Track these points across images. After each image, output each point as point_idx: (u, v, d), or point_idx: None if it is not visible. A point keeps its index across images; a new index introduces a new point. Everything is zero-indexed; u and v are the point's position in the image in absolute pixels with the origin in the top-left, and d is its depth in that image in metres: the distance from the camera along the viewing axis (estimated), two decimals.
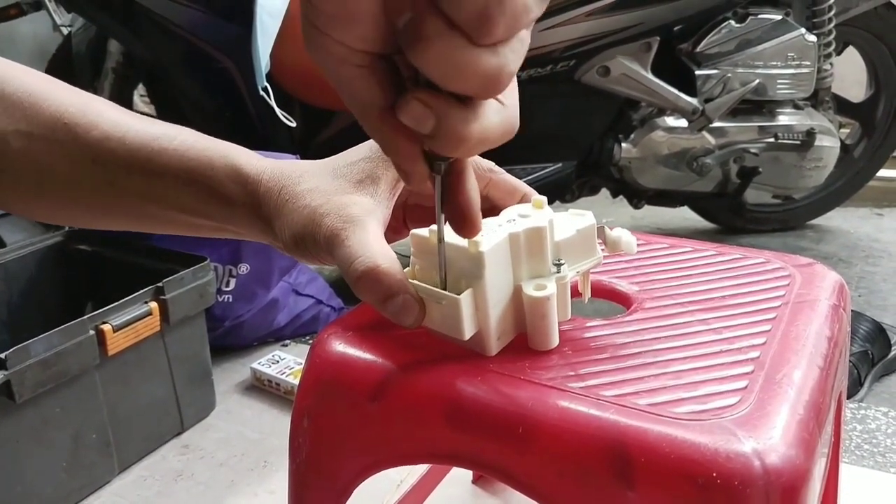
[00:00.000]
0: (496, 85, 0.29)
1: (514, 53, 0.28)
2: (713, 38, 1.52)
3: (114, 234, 1.19)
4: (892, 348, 1.23)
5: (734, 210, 1.75)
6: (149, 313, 0.99)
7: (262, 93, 1.30)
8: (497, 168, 0.47)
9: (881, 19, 1.68)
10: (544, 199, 0.44)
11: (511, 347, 0.42)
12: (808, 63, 1.55)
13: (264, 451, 1.04)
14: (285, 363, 1.19)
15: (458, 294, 0.39)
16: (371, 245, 0.39)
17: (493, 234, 0.40)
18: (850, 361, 1.11)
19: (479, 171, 0.46)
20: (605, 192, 1.70)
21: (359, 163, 0.44)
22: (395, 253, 0.40)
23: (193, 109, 1.50)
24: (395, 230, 0.47)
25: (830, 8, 1.56)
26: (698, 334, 0.44)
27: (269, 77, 1.32)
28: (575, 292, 0.47)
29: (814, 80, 1.57)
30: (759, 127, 1.60)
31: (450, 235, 0.39)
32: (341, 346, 0.45)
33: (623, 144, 1.57)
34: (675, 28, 1.52)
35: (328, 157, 0.45)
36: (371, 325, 0.46)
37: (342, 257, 0.39)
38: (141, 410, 1.02)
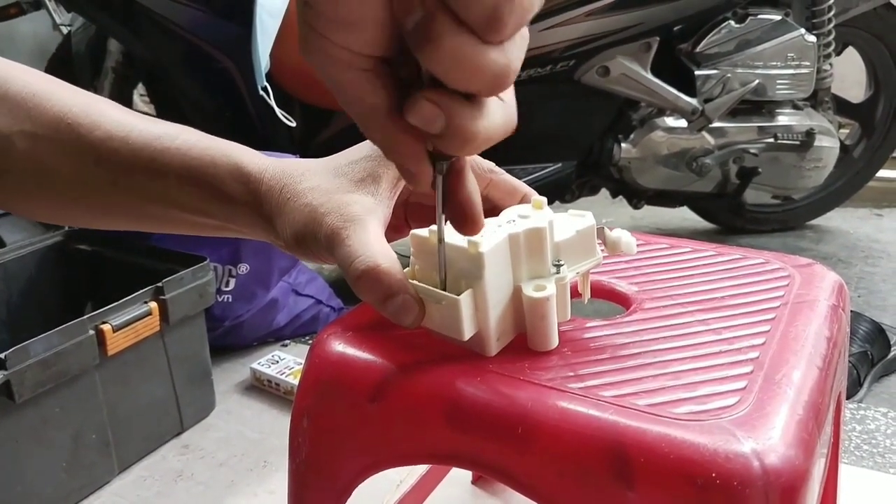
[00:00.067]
0: (503, 82, 0.29)
1: (518, 50, 0.29)
2: (713, 39, 1.52)
3: (114, 234, 1.19)
4: (892, 349, 1.23)
5: (734, 210, 1.75)
6: (148, 313, 0.99)
7: (261, 93, 1.30)
8: (497, 168, 0.47)
9: (881, 20, 1.69)
10: (544, 199, 0.44)
11: (511, 348, 0.42)
12: (808, 63, 1.55)
13: (264, 451, 1.04)
14: (285, 363, 1.19)
15: (458, 295, 0.39)
16: (371, 244, 0.39)
17: (492, 234, 0.40)
18: (849, 362, 1.12)
19: (479, 172, 0.46)
20: (604, 192, 1.70)
21: (360, 161, 0.44)
22: (396, 253, 0.40)
23: (193, 109, 1.50)
24: (395, 229, 0.47)
25: (830, 8, 1.56)
26: (698, 335, 0.44)
27: (269, 77, 1.32)
28: (575, 293, 0.47)
29: (813, 80, 1.57)
30: (759, 127, 1.60)
31: (450, 236, 0.39)
32: (341, 347, 0.45)
33: (623, 144, 1.57)
34: (675, 28, 1.52)
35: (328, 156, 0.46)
36: (371, 326, 0.46)
37: (342, 256, 0.39)
38: (141, 410, 1.02)
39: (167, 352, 1.05)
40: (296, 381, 1.10)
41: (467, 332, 0.40)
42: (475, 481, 0.84)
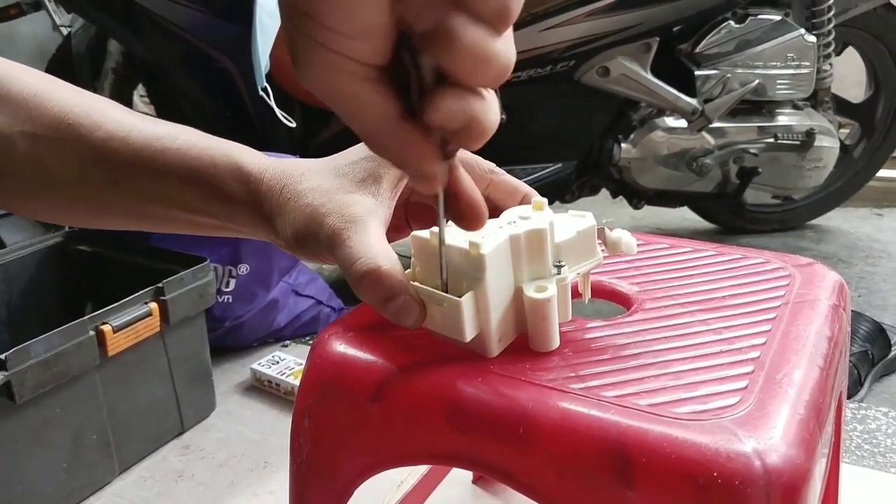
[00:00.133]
0: (508, 71, 0.30)
1: (512, 41, 0.31)
2: (713, 39, 1.52)
3: (114, 235, 1.19)
4: (892, 348, 1.23)
5: (734, 210, 1.75)
6: (149, 314, 0.99)
7: (261, 93, 1.30)
8: (498, 169, 0.47)
9: (881, 20, 1.69)
10: (545, 200, 0.44)
11: (512, 348, 0.42)
12: (808, 63, 1.55)
13: (264, 451, 1.04)
14: (285, 364, 1.19)
15: (459, 296, 0.39)
16: (372, 246, 0.39)
17: (493, 236, 0.40)
18: (850, 361, 1.12)
19: (480, 172, 0.46)
20: (604, 192, 1.70)
21: (361, 161, 0.44)
22: (397, 254, 0.40)
23: (193, 109, 1.50)
24: (396, 229, 0.47)
25: (830, 8, 1.56)
26: (698, 334, 0.44)
27: (268, 77, 1.32)
28: (575, 293, 0.47)
29: (813, 80, 1.57)
30: (759, 127, 1.60)
31: (451, 238, 0.39)
32: (342, 347, 0.45)
33: (623, 145, 1.57)
34: (675, 28, 1.52)
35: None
36: (371, 326, 0.46)
37: (343, 257, 0.39)
38: (141, 411, 1.02)
39: (167, 352, 1.05)
40: (296, 382, 1.11)
41: (469, 334, 0.40)
42: (476, 481, 0.84)
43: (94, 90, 1.62)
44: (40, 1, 1.81)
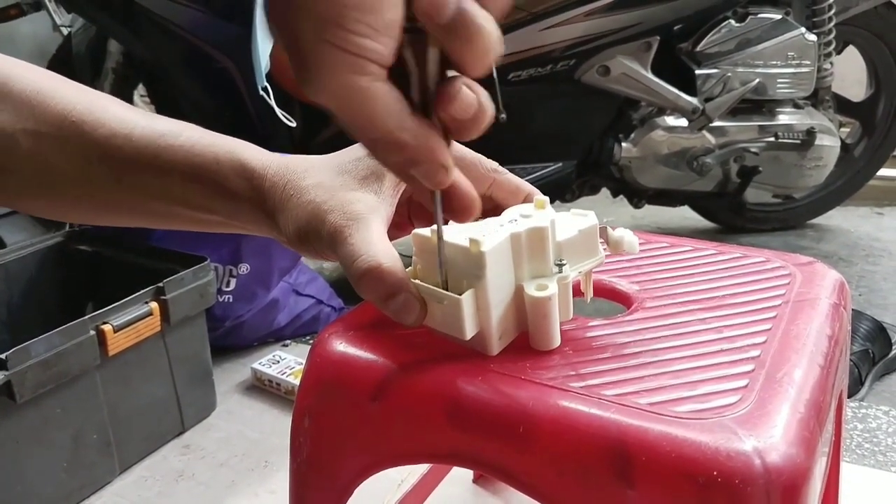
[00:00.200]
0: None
1: None
2: (713, 38, 1.52)
3: (114, 235, 1.19)
4: (893, 347, 1.23)
5: (734, 209, 1.75)
6: (149, 313, 0.99)
7: (262, 93, 1.30)
8: (501, 168, 0.47)
9: (881, 18, 1.68)
10: (546, 199, 0.44)
11: (512, 347, 0.42)
12: (808, 62, 1.55)
13: (265, 451, 1.04)
14: (286, 363, 1.19)
15: (460, 294, 0.39)
16: (374, 243, 0.39)
17: (494, 233, 0.40)
18: (850, 360, 1.12)
19: (482, 172, 0.46)
20: (605, 191, 1.70)
21: (364, 159, 0.44)
22: (398, 252, 0.40)
23: (193, 109, 1.50)
24: (398, 227, 0.47)
25: (830, 7, 1.56)
26: (699, 333, 0.44)
27: (269, 77, 1.32)
28: (577, 292, 0.47)
29: (814, 79, 1.57)
30: (760, 126, 1.60)
31: (452, 235, 0.40)
32: (342, 346, 0.45)
33: (623, 144, 1.57)
34: (675, 27, 1.52)
35: None
36: (372, 325, 0.46)
37: (345, 255, 0.39)
38: (142, 410, 1.02)
39: (168, 352, 1.05)
40: (296, 381, 1.10)
41: (469, 332, 0.40)
42: (476, 480, 0.84)
43: (95, 90, 1.61)
44: (40, 1, 1.81)
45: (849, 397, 1.11)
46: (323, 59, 0.30)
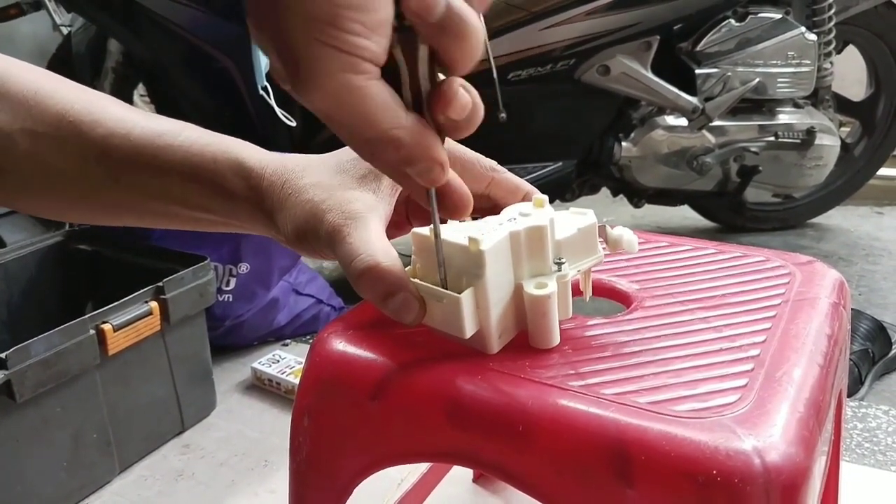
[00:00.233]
0: None
1: None
2: (713, 37, 1.52)
3: (114, 234, 1.19)
4: (893, 347, 1.23)
5: (734, 209, 1.75)
6: (149, 313, 0.99)
7: (261, 92, 1.30)
8: (499, 167, 0.47)
9: (881, 18, 1.68)
10: (545, 197, 0.44)
11: (512, 346, 0.42)
12: (808, 62, 1.55)
13: (265, 450, 1.04)
14: (286, 362, 1.19)
15: (459, 292, 0.39)
16: (372, 242, 0.39)
17: (493, 232, 0.40)
18: (850, 360, 1.12)
19: (480, 170, 0.46)
20: (605, 191, 1.70)
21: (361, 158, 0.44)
22: (396, 251, 0.40)
23: (193, 109, 1.50)
24: (397, 226, 0.47)
25: (830, 6, 1.56)
26: (698, 332, 0.44)
27: (268, 77, 1.32)
28: (576, 291, 0.47)
29: (814, 78, 1.57)
30: (760, 126, 1.60)
31: (451, 234, 0.40)
32: (342, 345, 0.45)
33: (623, 143, 1.57)
34: (675, 27, 1.52)
35: None
36: (371, 324, 0.46)
37: (343, 254, 0.39)
38: (141, 410, 1.02)
39: (168, 351, 1.05)
40: (296, 381, 1.10)
41: (468, 330, 0.40)
42: (476, 480, 0.84)
43: (94, 90, 1.61)
44: (40, 1, 1.81)
45: (848, 397, 1.11)
46: (316, 59, 0.30)
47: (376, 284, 0.38)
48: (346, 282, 0.40)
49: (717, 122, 1.55)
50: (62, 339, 0.88)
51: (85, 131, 0.44)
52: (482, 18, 0.32)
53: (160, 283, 1.00)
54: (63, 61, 1.70)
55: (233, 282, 1.25)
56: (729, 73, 1.52)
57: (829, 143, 1.61)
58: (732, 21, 1.52)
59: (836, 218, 1.91)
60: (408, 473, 0.78)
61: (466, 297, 0.39)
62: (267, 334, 1.33)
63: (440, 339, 0.42)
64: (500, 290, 0.40)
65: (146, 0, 1.33)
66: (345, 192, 0.42)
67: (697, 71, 1.52)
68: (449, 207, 0.39)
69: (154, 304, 0.99)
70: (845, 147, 1.76)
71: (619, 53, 1.46)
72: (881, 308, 1.45)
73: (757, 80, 1.53)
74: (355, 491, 0.45)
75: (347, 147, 0.45)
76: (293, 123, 1.34)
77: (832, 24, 1.58)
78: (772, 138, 1.59)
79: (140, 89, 1.86)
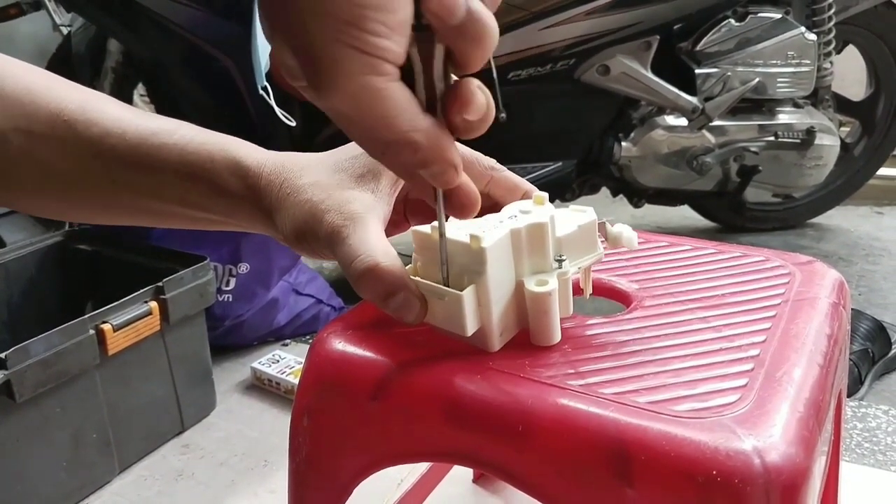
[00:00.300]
0: None
1: None
2: (713, 37, 1.52)
3: (114, 234, 1.19)
4: (893, 347, 1.23)
5: (734, 209, 1.75)
6: (149, 313, 0.99)
7: (261, 92, 1.30)
8: (498, 166, 0.47)
9: (881, 18, 1.68)
10: (545, 195, 0.44)
11: (512, 345, 0.42)
12: (808, 61, 1.55)
13: (265, 450, 1.04)
14: (285, 362, 1.19)
15: (461, 290, 0.39)
16: (372, 243, 0.39)
17: (494, 230, 0.40)
18: (850, 360, 1.12)
19: (480, 169, 0.46)
20: (605, 190, 1.70)
21: (360, 157, 0.44)
22: (396, 251, 0.40)
23: (193, 109, 1.50)
24: (395, 225, 0.47)
25: (830, 6, 1.56)
26: (698, 332, 0.44)
27: (268, 76, 1.32)
28: (576, 289, 0.47)
29: (814, 78, 1.57)
30: (759, 125, 1.60)
31: (452, 232, 0.40)
32: (341, 345, 0.45)
33: (623, 143, 1.57)
34: (675, 27, 1.52)
35: None
36: (371, 324, 0.46)
37: (343, 255, 0.39)
38: (141, 410, 1.02)
39: (168, 351, 1.05)
40: (296, 381, 1.10)
41: (470, 328, 0.40)
42: (476, 480, 0.84)
43: (94, 89, 1.61)
44: (40, 1, 1.81)
45: (848, 396, 1.11)
46: (337, 60, 0.29)
47: (376, 285, 0.38)
48: (346, 282, 0.40)
49: (716, 122, 1.55)
50: (62, 339, 0.88)
51: (80, 131, 0.44)
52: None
53: (160, 283, 1.00)
54: (63, 61, 1.70)
55: (233, 282, 1.25)
56: (729, 73, 1.52)
57: (828, 142, 1.61)
58: (732, 21, 1.52)
59: (836, 218, 1.91)
60: (408, 473, 0.78)
61: (468, 295, 0.39)
62: (267, 334, 1.33)
63: (440, 338, 0.42)
64: (502, 287, 0.40)
65: (146, 0, 1.33)
66: (343, 192, 0.42)
67: (697, 71, 1.52)
68: (456, 206, 0.39)
69: (154, 304, 0.99)
70: (845, 147, 1.76)
71: (619, 53, 1.46)
72: (881, 308, 1.44)
73: (757, 79, 1.53)
74: (355, 491, 0.45)
75: (346, 146, 0.45)
76: (293, 123, 1.34)
77: (832, 23, 1.58)
78: (772, 138, 1.59)
79: (140, 89, 1.86)
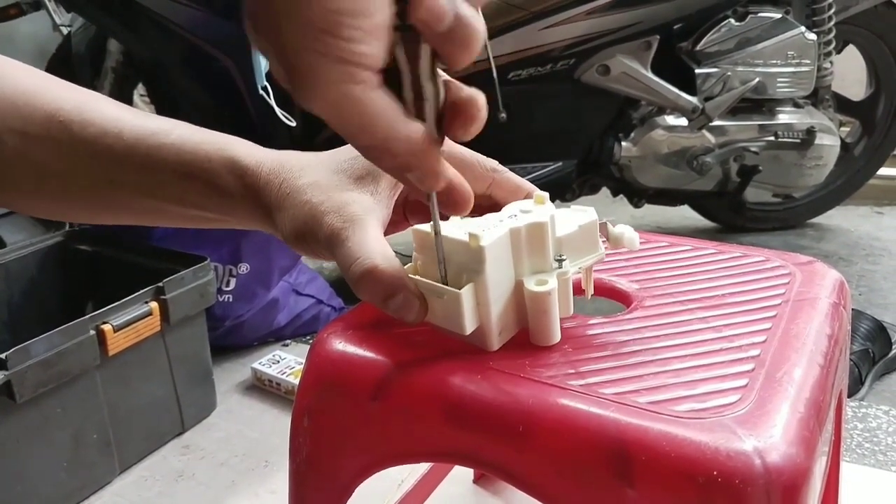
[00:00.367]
0: None
1: None
2: (713, 37, 1.52)
3: (114, 234, 1.19)
4: (893, 347, 1.23)
5: (734, 209, 1.75)
6: (149, 313, 0.99)
7: (261, 92, 1.30)
8: (500, 167, 0.47)
9: (881, 18, 1.68)
10: (546, 194, 0.44)
11: (512, 344, 0.42)
12: (808, 61, 1.55)
13: (265, 450, 1.04)
14: (286, 363, 1.19)
15: (460, 289, 0.39)
16: (370, 245, 0.39)
17: (493, 228, 0.40)
18: (850, 360, 1.12)
19: (481, 171, 0.46)
20: (605, 191, 1.70)
21: (360, 158, 0.44)
22: (395, 251, 0.40)
23: (193, 109, 1.50)
24: (395, 225, 0.47)
25: (830, 6, 1.56)
26: (698, 332, 0.44)
27: (268, 76, 1.32)
28: (577, 290, 0.47)
29: (814, 78, 1.57)
30: (760, 125, 1.60)
31: (452, 231, 0.40)
32: (341, 345, 0.45)
33: (623, 143, 1.57)
34: (675, 27, 1.52)
35: None
36: (371, 324, 0.46)
37: (342, 257, 0.39)
38: (142, 410, 1.02)
39: (168, 352, 1.05)
40: (297, 381, 1.10)
41: (469, 326, 0.40)
42: (477, 480, 0.84)
43: (94, 90, 1.61)
44: (40, 1, 1.81)
45: (849, 397, 1.11)
46: (314, 69, 0.29)
47: (375, 287, 0.39)
48: (347, 282, 0.40)
49: (717, 122, 1.55)
50: (62, 339, 0.88)
51: (76, 131, 0.44)
52: (480, 14, 0.32)
53: (160, 284, 1.00)
54: (63, 61, 1.70)
55: (233, 282, 1.25)
56: (729, 73, 1.52)
57: (829, 142, 1.61)
58: (732, 21, 1.52)
59: (837, 218, 1.91)
60: (408, 474, 0.78)
61: (467, 293, 0.39)
62: (267, 335, 1.33)
63: (440, 338, 0.42)
64: (501, 286, 0.40)
65: (146, 0, 1.33)
66: (342, 194, 0.42)
67: (697, 71, 1.52)
68: (449, 204, 0.39)
69: (154, 305, 0.99)
70: (845, 147, 1.76)
71: (619, 53, 1.46)
72: (881, 308, 1.44)
73: (757, 79, 1.53)
74: (356, 491, 0.45)
75: (345, 146, 0.45)
76: (293, 123, 1.34)
77: (832, 23, 1.58)
78: (772, 138, 1.59)
79: (140, 89, 1.86)
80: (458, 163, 0.44)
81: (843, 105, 1.77)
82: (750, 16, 1.52)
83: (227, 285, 1.25)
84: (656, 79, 1.49)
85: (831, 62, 1.62)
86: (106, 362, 0.94)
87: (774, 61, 1.54)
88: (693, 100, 1.51)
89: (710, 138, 1.57)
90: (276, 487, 0.97)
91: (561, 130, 1.56)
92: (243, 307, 1.27)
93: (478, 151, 0.46)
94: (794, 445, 0.34)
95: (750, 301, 0.47)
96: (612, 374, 0.40)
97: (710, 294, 0.49)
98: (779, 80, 1.55)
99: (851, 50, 1.75)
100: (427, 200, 0.38)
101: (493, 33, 1.39)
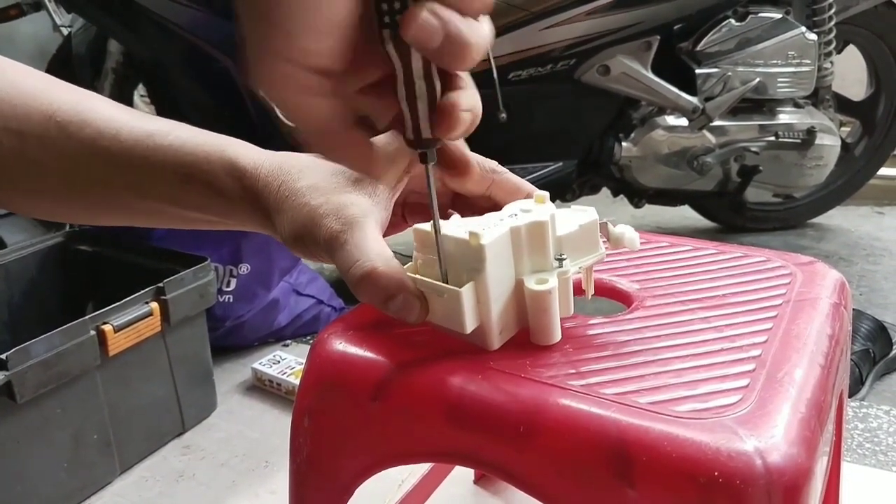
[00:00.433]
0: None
1: None
2: (713, 37, 1.52)
3: (114, 235, 1.19)
4: (894, 347, 1.23)
5: (735, 209, 1.75)
6: (150, 313, 0.99)
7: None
8: (500, 168, 0.47)
9: (881, 18, 1.68)
10: (546, 194, 0.44)
11: (513, 344, 0.42)
12: (809, 61, 1.55)
13: (265, 451, 1.04)
14: (286, 363, 1.19)
15: (460, 287, 0.39)
16: (369, 247, 0.39)
17: (494, 227, 0.40)
18: (851, 360, 1.12)
19: (482, 172, 0.46)
20: (605, 191, 1.70)
21: None
22: (394, 252, 0.40)
23: (193, 109, 1.50)
24: (393, 225, 0.47)
25: (830, 6, 1.56)
26: (699, 332, 0.44)
27: None
28: (578, 290, 0.47)
29: (814, 78, 1.57)
30: (760, 125, 1.60)
31: (452, 229, 0.40)
32: (342, 346, 0.45)
33: (623, 143, 1.57)
34: (676, 27, 1.52)
35: None
36: (372, 324, 0.46)
37: (341, 260, 0.39)
38: (142, 411, 1.02)
39: (168, 352, 1.05)
40: (297, 381, 1.10)
41: (469, 325, 0.40)
42: (477, 481, 0.84)
43: (94, 90, 1.61)
44: (40, 1, 1.81)
45: (850, 397, 1.11)
46: (266, 69, 0.30)
47: (375, 289, 0.39)
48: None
49: (717, 122, 1.55)
50: (63, 339, 0.88)
51: (73, 132, 0.44)
52: (485, 20, 0.32)
53: (161, 284, 1.00)
54: (63, 62, 1.70)
55: (233, 282, 1.25)
56: (729, 73, 1.52)
57: (829, 142, 1.61)
58: (733, 21, 1.52)
59: (837, 218, 1.91)
60: (409, 474, 0.78)
61: (467, 292, 0.39)
62: (267, 335, 1.33)
63: (440, 338, 0.42)
64: (501, 285, 0.40)
65: (146, 0, 1.33)
66: (341, 197, 0.42)
67: (698, 71, 1.52)
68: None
69: (154, 305, 0.99)
70: (846, 147, 1.76)
71: (620, 53, 1.46)
72: (882, 308, 1.44)
73: (757, 79, 1.53)
74: (356, 492, 0.45)
75: None
76: (293, 124, 1.34)
77: (832, 23, 1.58)
78: (772, 138, 1.59)
79: (140, 89, 1.86)
80: (458, 163, 0.44)
81: (843, 105, 1.77)
82: (750, 16, 1.52)
83: (228, 286, 1.25)
84: (656, 79, 1.49)
85: (831, 62, 1.62)
86: (106, 362, 0.94)
87: (775, 61, 1.54)
88: (693, 100, 1.51)
89: (711, 138, 1.57)
90: (276, 488, 0.97)
91: (561, 131, 1.56)
92: (244, 307, 1.27)
93: (478, 152, 0.46)
94: (796, 446, 0.34)
95: (751, 301, 0.47)
96: (613, 375, 0.40)
97: (710, 294, 0.48)
98: (779, 80, 1.55)
99: (851, 50, 1.75)
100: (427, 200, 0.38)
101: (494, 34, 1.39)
